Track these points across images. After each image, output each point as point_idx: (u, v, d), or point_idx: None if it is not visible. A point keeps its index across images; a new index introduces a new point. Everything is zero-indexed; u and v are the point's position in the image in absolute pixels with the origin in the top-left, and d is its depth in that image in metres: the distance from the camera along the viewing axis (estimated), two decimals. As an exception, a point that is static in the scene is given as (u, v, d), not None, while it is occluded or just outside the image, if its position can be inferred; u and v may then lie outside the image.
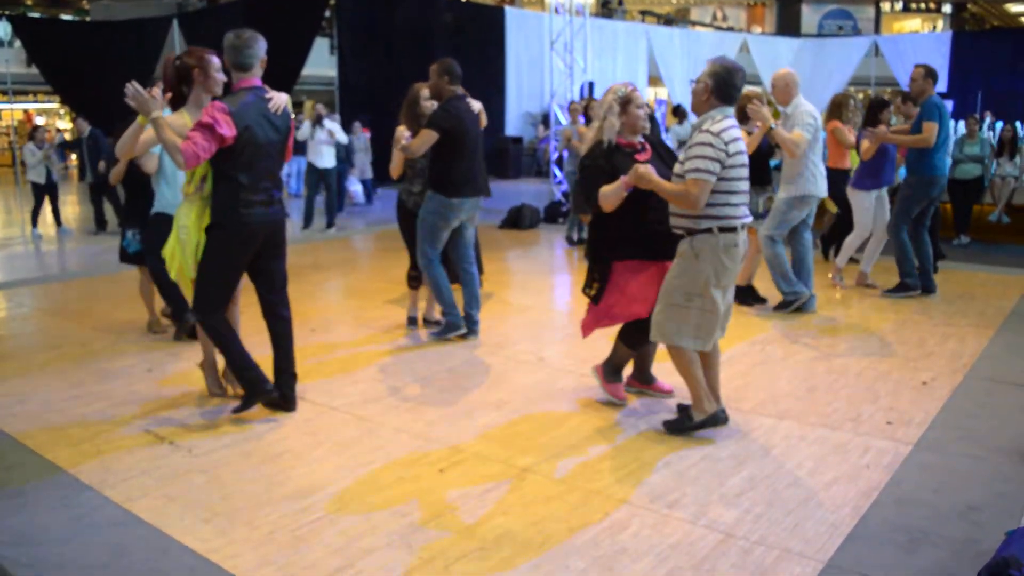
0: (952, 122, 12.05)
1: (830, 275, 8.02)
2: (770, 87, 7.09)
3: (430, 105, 6.19)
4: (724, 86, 4.20)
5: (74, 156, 17.10)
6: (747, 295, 7.27)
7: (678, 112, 15.57)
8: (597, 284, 4.71)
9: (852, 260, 8.35)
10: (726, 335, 4.55)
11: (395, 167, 6.33)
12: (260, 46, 4.52)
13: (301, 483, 3.91)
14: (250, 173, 4.51)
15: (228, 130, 4.32)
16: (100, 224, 12.93)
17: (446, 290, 6.20)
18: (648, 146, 4.71)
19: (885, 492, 3.75)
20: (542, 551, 3.28)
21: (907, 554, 3.25)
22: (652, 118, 5.10)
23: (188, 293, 4.89)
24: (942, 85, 18.68)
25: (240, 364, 4.71)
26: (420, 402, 5.01)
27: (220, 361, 5.01)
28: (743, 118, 7.07)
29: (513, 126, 18.92)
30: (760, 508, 3.61)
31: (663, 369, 4.99)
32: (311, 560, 3.24)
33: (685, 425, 4.44)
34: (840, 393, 5.07)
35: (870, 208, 7.65)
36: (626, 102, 4.54)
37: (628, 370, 5.07)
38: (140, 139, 4.89)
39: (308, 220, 12.57)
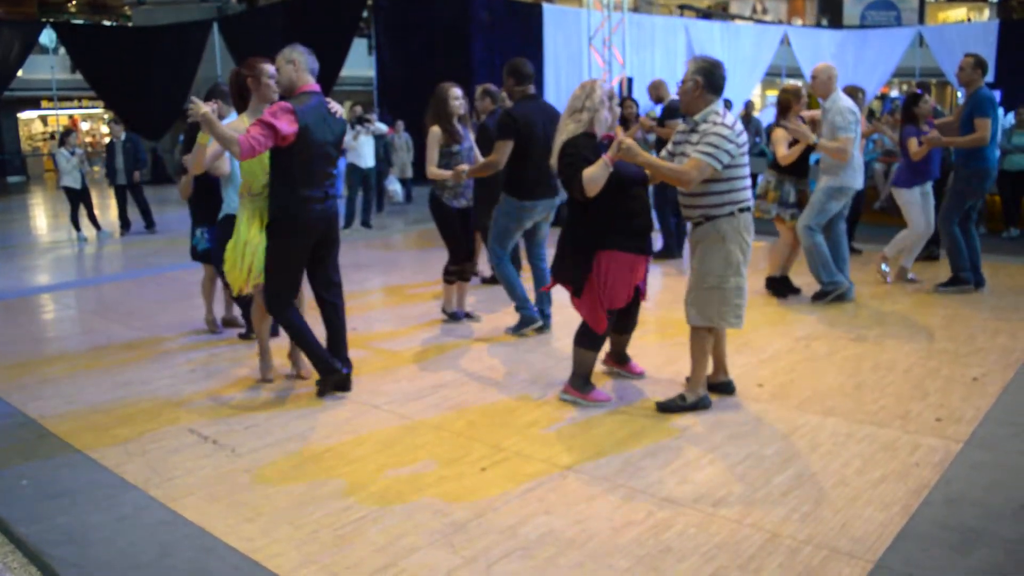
0: (1001, 112, 11.79)
1: (883, 268, 7.76)
2: (810, 79, 7.04)
3: (459, 104, 6.21)
4: (713, 78, 4.50)
5: (96, 167, 17.53)
6: (781, 286, 7.29)
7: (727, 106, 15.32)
8: (576, 275, 4.70)
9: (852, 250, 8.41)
10: (770, 330, 4.52)
11: (434, 173, 6.24)
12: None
13: (343, 482, 3.92)
14: (307, 171, 4.75)
15: (289, 127, 4.55)
16: (125, 225, 13.42)
17: (518, 286, 6.24)
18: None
19: (935, 491, 3.67)
20: (585, 550, 3.25)
21: (959, 554, 3.17)
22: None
23: (234, 288, 5.17)
24: (990, 75, 18.32)
25: (316, 354, 5.00)
26: (462, 400, 5.01)
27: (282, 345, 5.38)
28: (783, 112, 7.09)
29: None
30: (807, 507, 3.55)
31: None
32: (354, 559, 3.24)
33: (678, 404, 4.68)
34: (888, 390, 4.97)
35: (919, 203, 7.49)
36: (610, 98, 4.73)
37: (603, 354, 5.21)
38: (207, 154, 5.18)
39: (349, 220, 12.64)
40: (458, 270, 6.58)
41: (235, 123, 5.04)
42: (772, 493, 3.69)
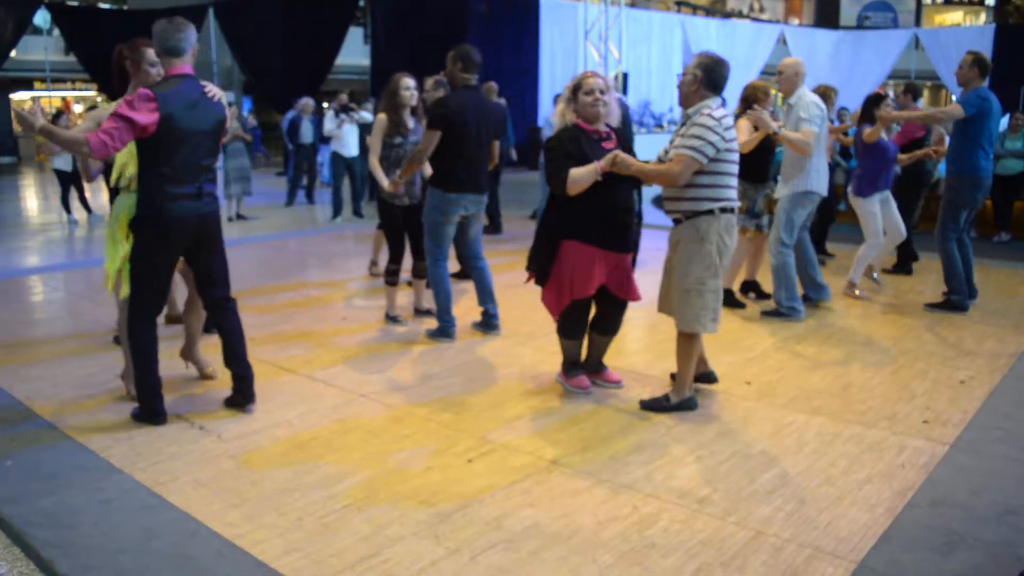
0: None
1: (856, 293, 7.37)
2: (777, 72, 6.76)
3: (410, 95, 6.09)
4: (713, 75, 4.46)
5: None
6: (729, 298, 6.87)
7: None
8: (542, 263, 4.73)
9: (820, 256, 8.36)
10: (757, 329, 4.51)
11: (375, 167, 6.20)
12: (191, 33, 4.37)
13: (329, 470, 3.92)
14: (173, 164, 4.26)
15: (147, 117, 4.07)
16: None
17: (445, 293, 5.99)
18: (614, 136, 4.74)
19: (920, 493, 3.68)
20: (569, 544, 3.25)
21: (942, 557, 3.18)
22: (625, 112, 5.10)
23: (110, 287, 4.80)
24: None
25: (148, 384, 4.51)
26: (449, 391, 5.00)
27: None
28: (749, 105, 6.82)
29: (546, 117, 18.87)
30: (792, 506, 3.56)
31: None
32: (338, 548, 3.24)
33: (662, 405, 4.66)
34: (875, 391, 4.99)
35: (877, 213, 7.23)
36: (575, 89, 4.63)
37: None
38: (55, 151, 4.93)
39: (337, 209, 12.60)
40: (397, 269, 6.38)
41: (110, 109, 4.65)
42: (757, 491, 3.69)
